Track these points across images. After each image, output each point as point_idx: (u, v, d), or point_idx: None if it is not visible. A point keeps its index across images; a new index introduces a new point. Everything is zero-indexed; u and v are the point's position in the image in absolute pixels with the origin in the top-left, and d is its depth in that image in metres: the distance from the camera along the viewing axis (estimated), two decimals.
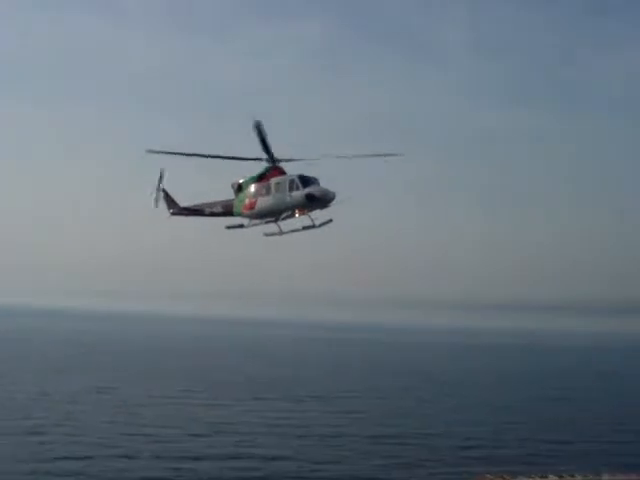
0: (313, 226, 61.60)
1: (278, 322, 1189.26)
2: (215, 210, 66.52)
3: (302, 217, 62.11)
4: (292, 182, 59.76)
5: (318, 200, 58.60)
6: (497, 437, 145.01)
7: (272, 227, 63.50)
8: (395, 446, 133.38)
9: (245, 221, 64.48)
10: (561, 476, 72.38)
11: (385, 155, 62.14)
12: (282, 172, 61.40)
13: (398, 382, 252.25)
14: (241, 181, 64.71)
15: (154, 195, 69.12)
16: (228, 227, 65.45)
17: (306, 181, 59.51)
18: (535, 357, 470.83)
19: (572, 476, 72.46)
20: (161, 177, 68.82)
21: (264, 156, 60.80)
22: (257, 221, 63.78)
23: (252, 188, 63.16)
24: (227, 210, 65.81)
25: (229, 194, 66.76)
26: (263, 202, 61.54)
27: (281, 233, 62.76)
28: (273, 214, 62.02)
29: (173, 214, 69.60)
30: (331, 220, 61.70)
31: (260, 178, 62.69)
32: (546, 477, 71.27)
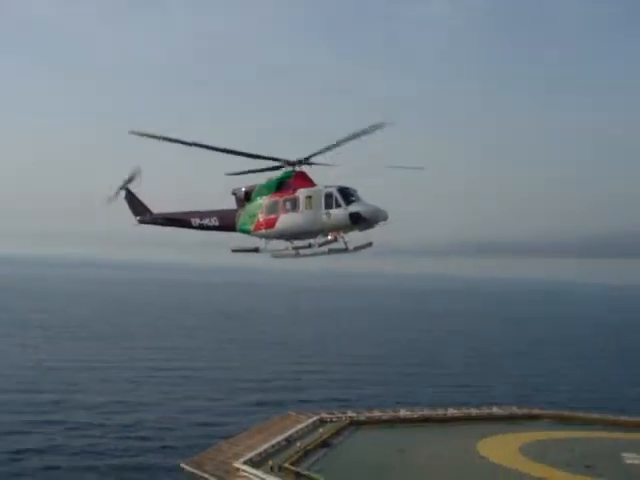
0: (345, 250, 45.15)
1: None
2: (207, 222, 49.29)
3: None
4: (330, 196, 43.41)
5: (365, 221, 42.58)
6: (299, 376, 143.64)
7: (285, 246, 47.18)
8: (194, 380, 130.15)
9: (259, 242, 47.18)
10: (360, 411, 70.19)
11: (413, 168, 47.68)
12: (307, 179, 45.66)
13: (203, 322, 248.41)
14: (244, 189, 48.00)
15: (113, 193, 51.07)
16: (235, 250, 47.93)
17: (347, 195, 43.34)
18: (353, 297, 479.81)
19: (370, 411, 70.48)
20: (130, 179, 50.86)
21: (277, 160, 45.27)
22: (277, 243, 47.37)
23: (269, 200, 46.12)
24: (226, 224, 48.70)
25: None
26: (288, 220, 44.95)
27: (297, 255, 46.44)
28: (301, 236, 45.65)
29: (142, 222, 51.74)
30: (371, 244, 45.28)
31: (279, 186, 46.15)
32: (345, 412, 68.55)
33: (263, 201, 46.46)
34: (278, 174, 46.19)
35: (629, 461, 52.46)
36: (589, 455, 54.35)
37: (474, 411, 71.74)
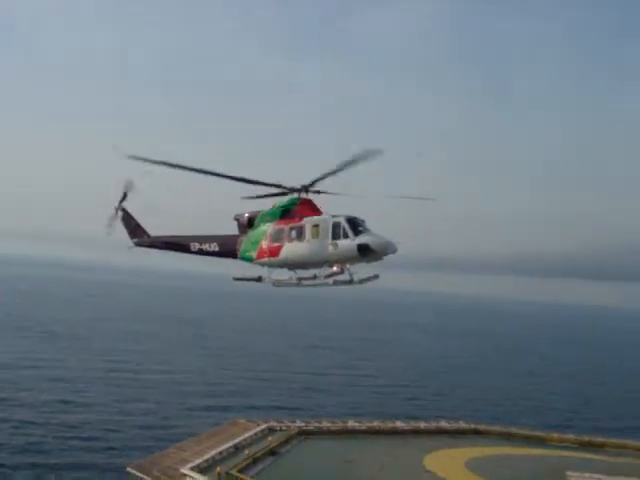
0: (350, 281, 43.32)
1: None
2: (207, 248, 47.37)
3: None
4: (338, 226, 41.55)
5: (373, 253, 40.63)
6: (249, 383, 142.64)
7: (287, 275, 45.07)
8: (143, 383, 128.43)
9: (262, 271, 45.20)
10: (308, 421, 69.97)
11: (424, 199, 45.81)
12: (313, 207, 43.87)
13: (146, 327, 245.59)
14: (247, 214, 46.11)
15: (111, 214, 48.90)
16: (237, 279, 46.27)
17: (355, 225, 41.44)
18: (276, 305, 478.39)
19: (318, 421, 70.30)
20: (125, 194, 48.70)
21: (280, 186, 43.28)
22: (280, 271, 45.24)
23: (274, 227, 44.29)
24: (227, 250, 46.78)
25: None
26: (293, 250, 43.17)
27: (300, 285, 44.68)
28: (306, 266, 43.91)
29: (138, 245, 49.77)
30: (377, 276, 43.79)
31: (284, 214, 44.30)
32: (294, 422, 68.18)
33: (267, 228, 44.66)
34: (283, 200, 44.56)
35: (573, 479, 52.97)
36: (534, 472, 54.76)
37: (422, 424, 71.93)
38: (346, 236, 40.97)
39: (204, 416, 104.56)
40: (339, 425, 69.13)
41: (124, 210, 49.25)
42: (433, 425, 71.93)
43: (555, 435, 70.46)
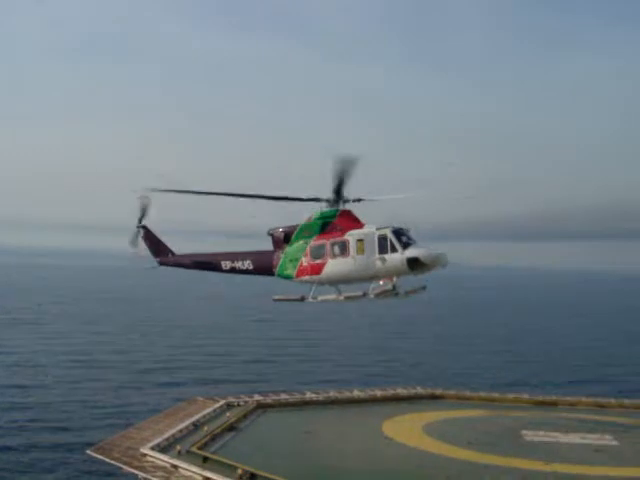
0: (396, 294, 41.45)
1: None
2: (240, 266, 45.21)
3: None
4: (384, 239, 39.56)
5: (423, 267, 38.96)
6: (206, 360, 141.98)
7: (333, 293, 43.02)
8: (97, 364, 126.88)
9: (302, 288, 43.46)
10: (266, 394, 69.64)
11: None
12: (353, 218, 41.74)
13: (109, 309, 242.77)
14: (282, 229, 44.01)
15: (132, 236, 47.32)
16: (277, 300, 44.45)
17: (401, 236, 39.70)
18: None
19: (276, 394, 69.97)
20: (144, 210, 46.71)
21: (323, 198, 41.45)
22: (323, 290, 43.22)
23: (314, 243, 42.04)
24: (262, 267, 44.74)
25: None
26: (337, 266, 40.86)
27: (341, 299, 42.69)
28: (351, 282, 41.84)
29: (162, 264, 47.78)
30: (424, 287, 42.24)
31: (323, 227, 42.02)
32: (252, 396, 67.80)
33: (306, 244, 42.62)
34: (321, 212, 42.56)
35: (528, 438, 53.61)
36: (490, 433, 55.27)
37: (379, 392, 72.12)
38: (394, 250, 39.30)
39: (161, 395, 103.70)
40: (297, 397, 68.88)
41: (145, 228, 47.15)
42: (390, 392, 72.13)
43: (510, 396, 71.33)
